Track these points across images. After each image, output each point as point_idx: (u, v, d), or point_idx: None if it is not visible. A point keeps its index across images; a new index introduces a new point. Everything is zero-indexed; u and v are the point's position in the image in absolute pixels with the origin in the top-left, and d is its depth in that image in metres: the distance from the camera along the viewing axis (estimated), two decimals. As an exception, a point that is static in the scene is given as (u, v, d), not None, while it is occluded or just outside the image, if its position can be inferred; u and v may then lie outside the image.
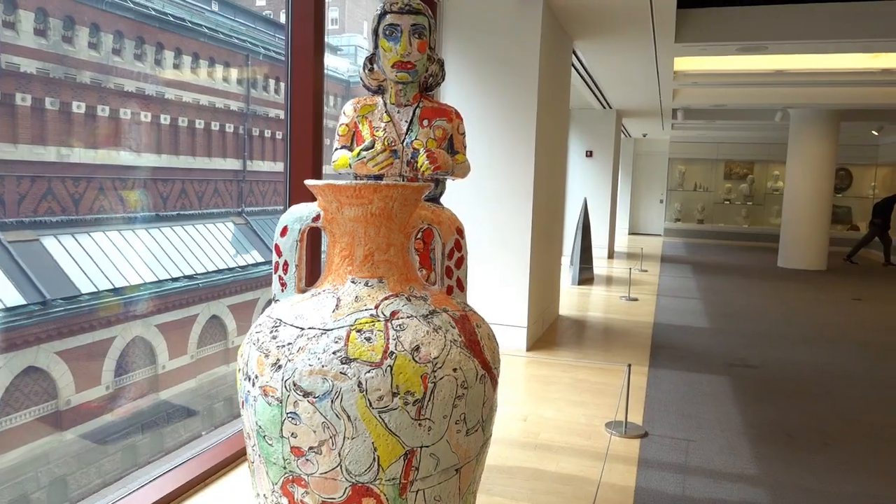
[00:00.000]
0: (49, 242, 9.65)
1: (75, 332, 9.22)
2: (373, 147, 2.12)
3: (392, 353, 1.36)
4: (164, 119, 12.05)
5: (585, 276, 7.85)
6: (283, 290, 1.63)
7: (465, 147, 2.33)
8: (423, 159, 2.11)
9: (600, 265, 9.49)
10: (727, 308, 6.63)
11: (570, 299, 6.72)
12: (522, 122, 4.38)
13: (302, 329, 1.44)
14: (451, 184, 3.66)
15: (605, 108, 10.15)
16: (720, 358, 4.56)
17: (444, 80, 2.34)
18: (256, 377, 1.41)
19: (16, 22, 9.11)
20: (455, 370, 1.41)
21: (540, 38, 4.29)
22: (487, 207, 4.47)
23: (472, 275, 4.37)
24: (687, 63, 7.08)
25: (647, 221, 16.99)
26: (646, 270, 9.33)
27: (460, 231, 1.66)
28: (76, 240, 10.07)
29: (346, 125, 2.27)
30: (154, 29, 11.75)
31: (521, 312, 4.50)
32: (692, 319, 5.94)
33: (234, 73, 14.03)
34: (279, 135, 14.97)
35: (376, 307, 1.47)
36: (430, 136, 2.22)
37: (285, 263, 1.62)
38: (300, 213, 1.61)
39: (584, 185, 10.57)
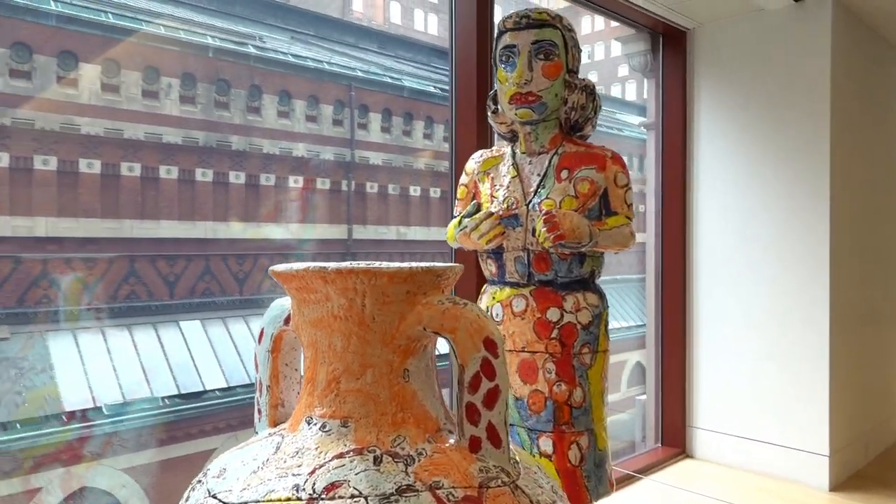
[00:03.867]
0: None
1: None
2: (477, 212, 1.55)
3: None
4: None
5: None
6: (259, 420, 1.15)
7: (628, 205, 1.60)
8: (539, 225, 1.47)
9: None
10: None
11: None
12: (811, 169, 3.22)
13: (208, 495, 0.93)
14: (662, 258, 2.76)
15: None
16: None
17: (597, 112, 1.65)
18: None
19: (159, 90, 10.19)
20: None
21: (830, 53, 3.15)
22: (754, 285, 3.34)
23: (735, 374, 3.27)
24: None
25: None
26: None
27: (491, 345, 0.98)
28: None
29: (465, 185, 1.74)
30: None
31: (819, 434, 3.21)
32: None
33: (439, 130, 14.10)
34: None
35: (311, 472, 0.89)
36: (567, 193, 1.56)
37: (260, 382, 1.14)
38: (275, 312, 1.12)
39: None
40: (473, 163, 1.75)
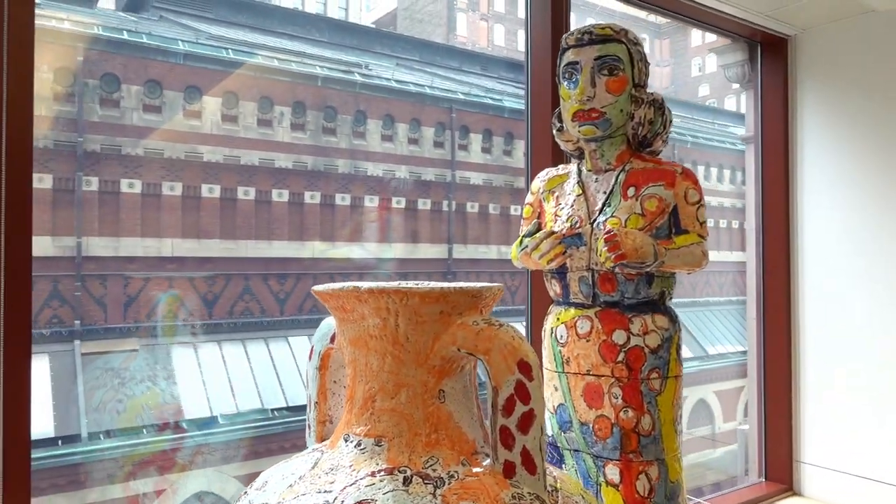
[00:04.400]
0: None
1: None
2: (537, 233, 1.53)
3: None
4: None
5: None
6: (308, 435, 1.19)
7: (700, 223, 1.52)
8: (600, 245, 1.43)
9: None
10: None
11: None
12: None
13: None
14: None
15: None
16: None
17: (667, 127, 1.59)
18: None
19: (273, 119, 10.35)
20: None
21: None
22: (870, 310, 3.04)
23: (850, 405, 2.97)
24: None
25: None
26: None
27: (525, 367, 0.95)
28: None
29: (531, 204, 1.72)
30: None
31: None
32: None
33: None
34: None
35: (342, 490, 0.91)
36: (633, 211, 1.50)
37: (309, 398, 1.18)
38: (323, 331, 1.15)
39: None
40: (539, 181, 1.73)
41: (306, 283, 9.89)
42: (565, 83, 1.57)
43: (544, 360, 1.64)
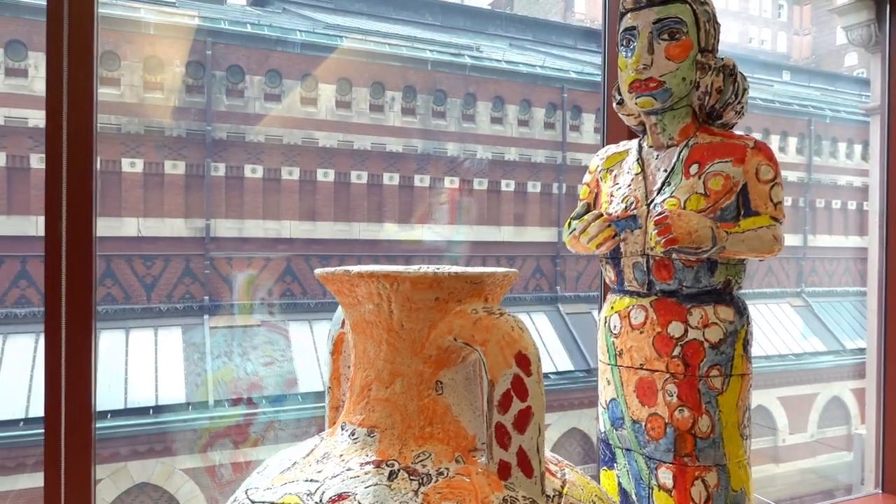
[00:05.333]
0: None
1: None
2: (585, 214, 1.43)
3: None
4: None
5: None
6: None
7: (774, 203, 1.35)
8: (650, 227, 1.30)
9: None
10: None
11: None
12: None
13: (244, 490, 0.96)
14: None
15: None
16: None
17: (741, 96, 1.42)
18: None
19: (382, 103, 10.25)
20: None
21: None
22: None
23: None
24: None
25: None
26: None
27: (523, 361, 0.87)
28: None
29: (588, 184, 1.60)
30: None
31: None
32: None
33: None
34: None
35: (327, 479, 0.88)
36: (695, 191, 1.36)
37: (325, 384, 1.16)
38: (337, 315, 1.13)
39: None
40: (598, 159, 1.60)
41: (412, 264, 10.06)
42: (622, 51, 1.43)
43: (598, 351, 1.53)
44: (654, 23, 1.38)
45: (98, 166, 1.51)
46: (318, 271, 0.98)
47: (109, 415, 7.19)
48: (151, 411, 7.63)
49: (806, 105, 12.81)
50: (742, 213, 1.36)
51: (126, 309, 8.30)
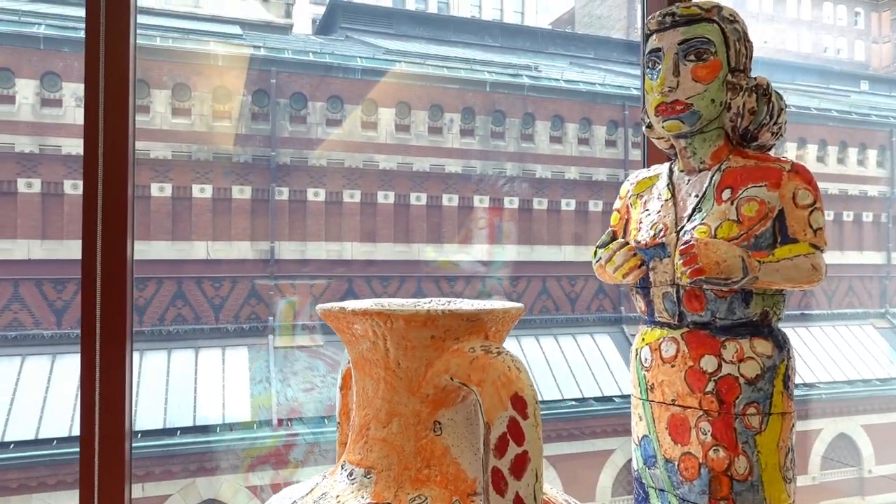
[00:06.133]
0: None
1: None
2: (611, 243, 1.38)
3: None
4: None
5: None
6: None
7: (814, 230, 1.27)
8: (676, 257, 1.24)
9: None
10: None
11: None
12: None
13: None
14: None
15: None
16: None
17: (776, 117, 1.34)
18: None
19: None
20: None
21: None
22: None
23: None
24: None
25: None
26: None
27: (519, 403, 0.83)
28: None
29: (618, 210, 1.55)
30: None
31: None
32: None
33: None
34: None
35: None
36: (727, 217, 1.29)
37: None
38: (347, 351, 1.12)
39: None
40: (628, 184, 1.54)
41: (475, 286, 10.04)
42: (648, 73, 1.38)
43: (630, 384, 1.47)
44: (679, 43, 1.32)
45: (132, 192, 1.56)
46: (318, 307, 0.97)
47: (179, 432, 7.44)
48: (218, 429, 7.84)
49: (886, 115, 12.15)
50: (779, 240, 1.28)
51: (195, 329, 8.60)
